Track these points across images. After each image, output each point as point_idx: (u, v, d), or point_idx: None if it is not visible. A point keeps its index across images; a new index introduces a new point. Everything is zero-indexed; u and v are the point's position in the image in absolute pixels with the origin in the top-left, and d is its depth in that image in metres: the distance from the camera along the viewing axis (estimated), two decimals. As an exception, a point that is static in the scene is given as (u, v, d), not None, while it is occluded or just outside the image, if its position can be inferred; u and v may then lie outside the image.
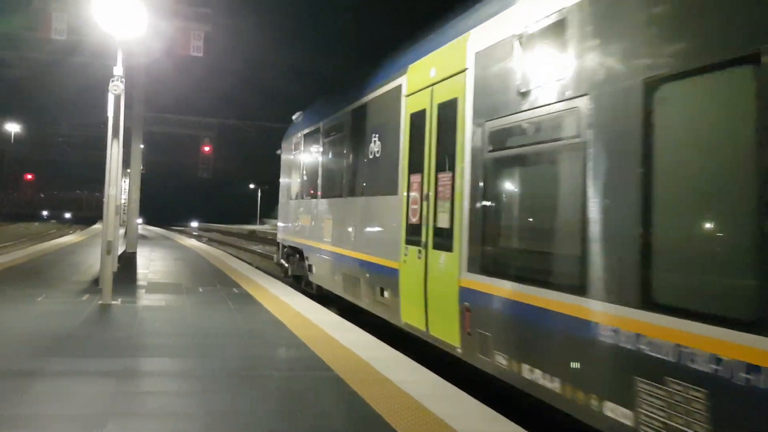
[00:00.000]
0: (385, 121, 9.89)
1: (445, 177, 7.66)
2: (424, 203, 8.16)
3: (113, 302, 11.26)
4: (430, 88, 8.25)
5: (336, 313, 11.53)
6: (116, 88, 11.60)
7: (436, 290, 7.74)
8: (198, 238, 54.34)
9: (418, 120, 8.58)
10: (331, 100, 14.15)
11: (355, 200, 11.24)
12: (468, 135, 7.10)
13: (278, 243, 19.36)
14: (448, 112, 7.66)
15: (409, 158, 8.79)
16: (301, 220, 15.43)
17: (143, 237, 36.83)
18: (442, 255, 7.58)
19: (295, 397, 6.07)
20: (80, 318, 9.85)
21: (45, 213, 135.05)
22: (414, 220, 8.46)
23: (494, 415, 5.62)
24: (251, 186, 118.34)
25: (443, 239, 7.55)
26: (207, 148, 53.18)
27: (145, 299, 12.08)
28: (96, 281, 13.94)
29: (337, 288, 12.25)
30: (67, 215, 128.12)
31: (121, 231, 21.08)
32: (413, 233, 8.44)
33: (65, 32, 18.67)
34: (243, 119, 54.33)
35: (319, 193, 13.88)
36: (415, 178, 8.54)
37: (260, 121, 55.66)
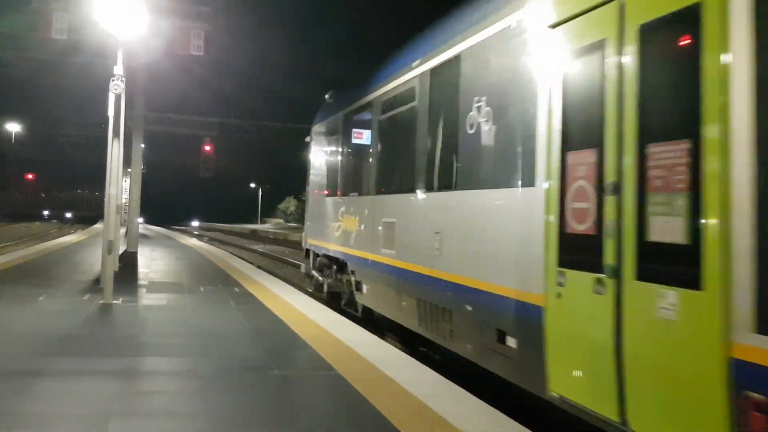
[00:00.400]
0: (501, 74, 6.59)
1: (670, 151, 4.38)
2: (609, 199, 4.81)
3: (114, 302, 11.26)
4: (615, 3, 4.96)
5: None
6: (117, 87, 11.61)
7: (652, 356, 4.39)
8: (199, 237, 54.41)
9: (582, 62, 5.35)
10: (391, 62, 10.37)
11: (442, 197, 7.86)
12: (745, 65, 3.81)
13: (306, 250, 15.59)
14: (672, 32, 4.45)
15: (564, 125, 5.48)
16: (344, 222, 11.88)
17: (144, 236, 36.86)
18: (670, 294, 4.24)
19: (297, 396, 6.06)
20: (81, 317, 9.85)
21: (46, 213, 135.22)
22: (581, 227, 5.15)
23: (497, 414, 5.60)
24: (252, 185, 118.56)
25: (672, 265, 4.30)
26: (208, 148, 53.17)
27: (147, 299, 12.08)
28: (97, 281, 13.95)
29: (405, 318, 8.95)
30: (68, 215, 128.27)
31: (122, 230, 21.10)
32: (580, 249, 5.15)
33: (66, 32, 18.67)
34: (244, 119, 54.35)
35: (374, 188, 10.47)
36: (581, 156, 5.22)
37: (261, 121, 55.70)
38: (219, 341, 8.45)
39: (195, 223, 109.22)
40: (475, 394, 6.23)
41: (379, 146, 10.49)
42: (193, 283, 14.87)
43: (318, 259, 14.16)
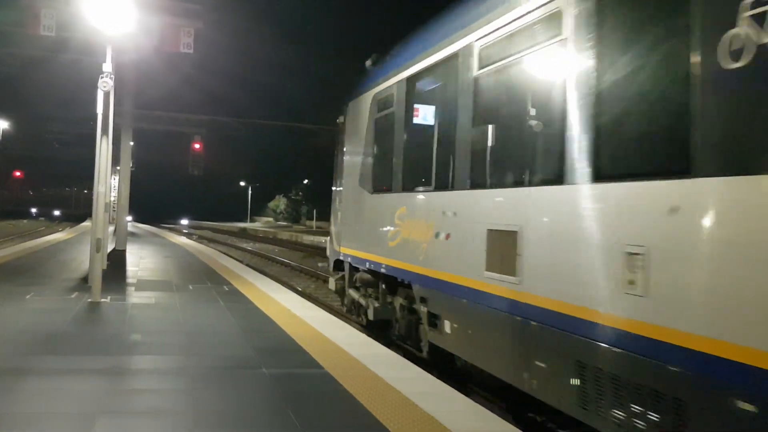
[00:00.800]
0: None
1: None
2: None
3: (102, 300, 11.20)
4: None
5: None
6: (105, 84, 11.55)
7: None
8: (188, 235, 54.23)
9: None
10: None
11: (654, 190, 4.43)
12: None
13: (338, 261, 12.25)
14: None
15: None
16: (407, 228, 8.55)
17: (133, 235, 36.70)
18: None
19: (285, 395, 6.06)
20: (69, 316, 9.80)
21: (34, 210, 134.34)
22: None
23: (483, 412, 5.63)
24: (242, 183, 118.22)
25: None
26: (197, 146, 52.99)
27: (135, 297, 12.02)
28: (85, 279, 13.88)
29: (544, 389, 5.56)
30: (57, 213, 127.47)
31: (111, 228, 21.01)
32: None
33: (54, 29, 18.53)
34: (234, 116, 54.23)
35: (467, 179, 6.99)
36: None
37: (251, 119, 55.57)
38: (208, 340, 8.43)
39: (184, 222, 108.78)
40: (462, 393, 6.26)
41: (475, 116, 6.92)
42: (182, 282, 14.82)
43: (357, 274, 10.84)
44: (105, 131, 12.07)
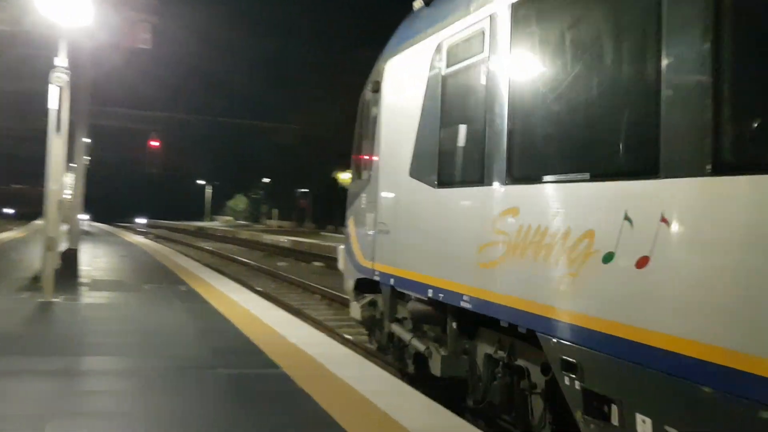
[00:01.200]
0: None
1: None
2: None
3: (54, 300, 10.98)
4: None
5: None
6: (59, 79, 11.30)
7: None
8: (145, 234, 53.40)
9: None
10: None
11: None
12: None
13: (360, 280, 8.92)
14: None
15: None
16: (519, 242, 5.15)
17: (88, 234, 35.99)
18: None
19: (241, 395, 6.03)
20: (20, 316, 9.59)
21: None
22: None
23: (439, 409, 5.69)
24: (200, 182, 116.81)
25: None
26: (155, 143, 52.24)
27: (88, 297, 11.82)
28: (37, 278, 13.55)
29: None
30: (10, 211, 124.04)
31: (65, 227, 20.57)
32: None
33: (7, 22, 18.07)
34: (192, 114, 53.61)
35: (720, 157, 3.50)
36: None
37: (210, 116, 54.98)
38: (162, 340, 8.33)
39: (142, 221, 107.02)
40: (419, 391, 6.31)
41: (719, 44, 3.57)
42: (137, 282, 14.61)
43: (409, 304, 7.45)
44: (57, 127, 11.82)
